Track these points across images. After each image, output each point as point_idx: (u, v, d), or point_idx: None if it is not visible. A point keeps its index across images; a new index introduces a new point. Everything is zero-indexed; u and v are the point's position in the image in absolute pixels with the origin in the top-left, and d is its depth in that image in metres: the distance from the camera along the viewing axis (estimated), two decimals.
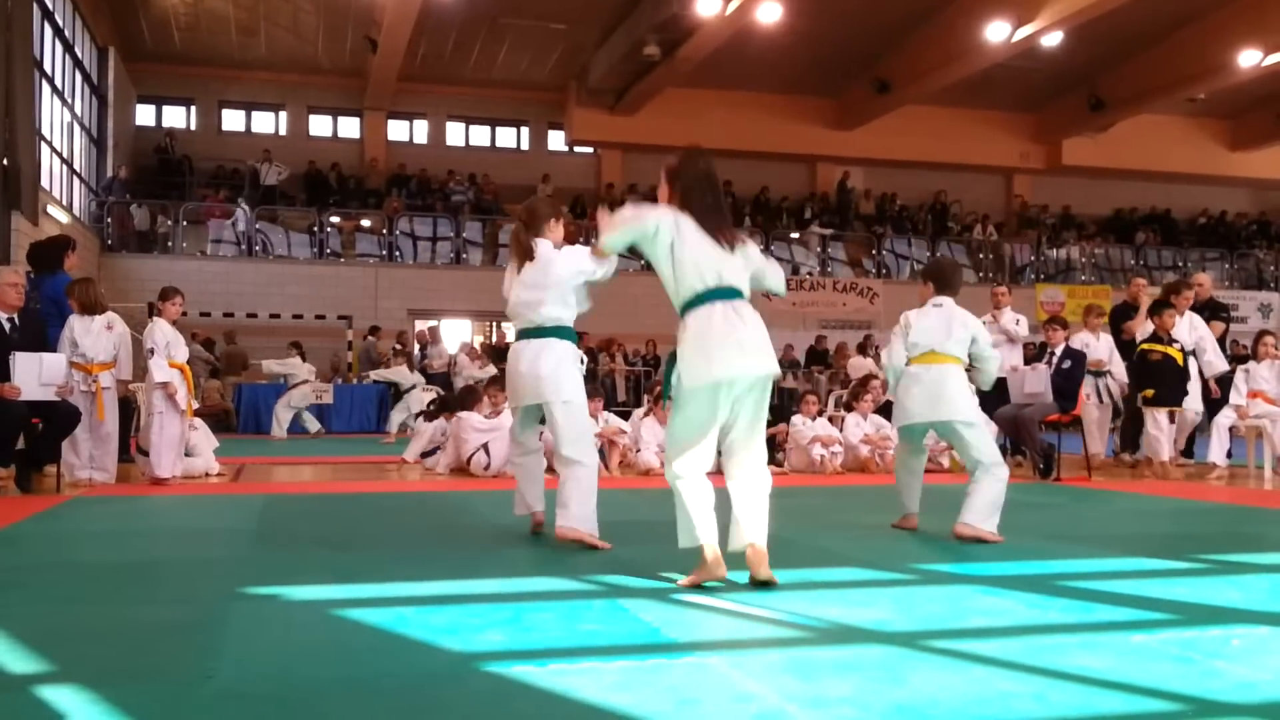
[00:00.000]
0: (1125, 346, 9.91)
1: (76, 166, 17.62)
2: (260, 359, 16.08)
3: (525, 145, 23.78)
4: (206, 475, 8.23)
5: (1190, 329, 9.26)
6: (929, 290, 5.34)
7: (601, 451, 8.43)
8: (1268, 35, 17.68)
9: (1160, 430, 8.55)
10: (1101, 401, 9.43)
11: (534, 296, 4.54)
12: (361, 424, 15.34)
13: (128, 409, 8.01)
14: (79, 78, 17.67)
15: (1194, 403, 9.11)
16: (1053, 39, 17.80)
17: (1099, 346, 9.47)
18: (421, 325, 18.99)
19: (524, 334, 4.65)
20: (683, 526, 3.69)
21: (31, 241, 9.69)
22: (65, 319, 7.43)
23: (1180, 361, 8.74)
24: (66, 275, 7.98)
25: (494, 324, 20.92)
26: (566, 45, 20.55)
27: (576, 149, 23.45)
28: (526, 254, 4.58)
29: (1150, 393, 8.62)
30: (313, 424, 14.28)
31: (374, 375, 15.25)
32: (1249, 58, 18.06)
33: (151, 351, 7.49)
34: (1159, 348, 8.73)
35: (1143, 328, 9.37)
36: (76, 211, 17.07)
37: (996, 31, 17.20)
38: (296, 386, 14.26)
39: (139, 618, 3.18)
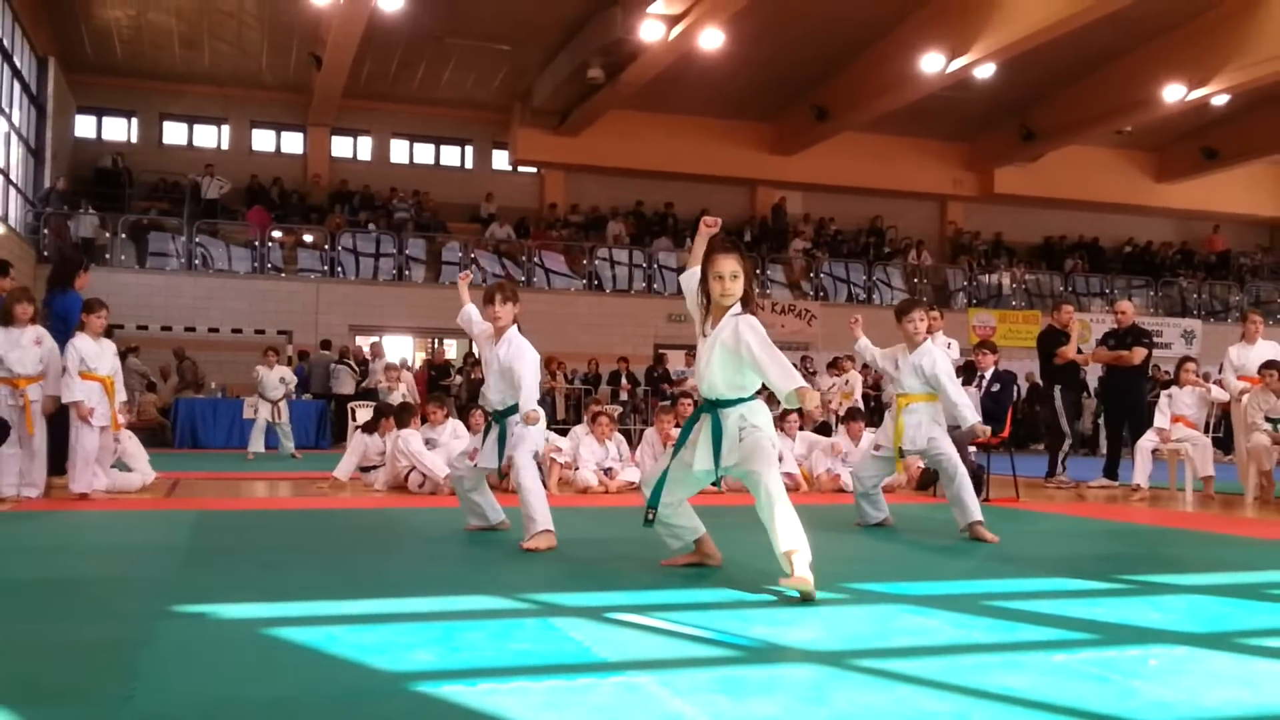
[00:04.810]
0: (1053, 371, 10.11)
1: (13, 177, 17.25)
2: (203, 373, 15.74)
3: (469, 164, 23.75)
4: (143, 487, 8.07)
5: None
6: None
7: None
8: (1192, 70, 18.26)
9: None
10: None
11: None
12: (300, 440, 15.10)
13: (65, 423, 7.72)
14: (17, 87, 17.33)
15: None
16: (985, 71, 18.22)
17: None
18: (363, 341, 18.83)
19: None
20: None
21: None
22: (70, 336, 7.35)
23: None
24: (77, 294, 7.93)
25: (436, 340, 20.78)
26: (511, 66, 20.58)
27: (520, 169, 23.48)
28: None
29: None
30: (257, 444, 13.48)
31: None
32: (1174, 92, 18.63)
33: (65, 369, 7.26)
34: None
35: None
36: (12, 222, 16.68)
37: (932, 63, 17.58)
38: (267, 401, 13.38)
39: (61, 637, 3.11)
